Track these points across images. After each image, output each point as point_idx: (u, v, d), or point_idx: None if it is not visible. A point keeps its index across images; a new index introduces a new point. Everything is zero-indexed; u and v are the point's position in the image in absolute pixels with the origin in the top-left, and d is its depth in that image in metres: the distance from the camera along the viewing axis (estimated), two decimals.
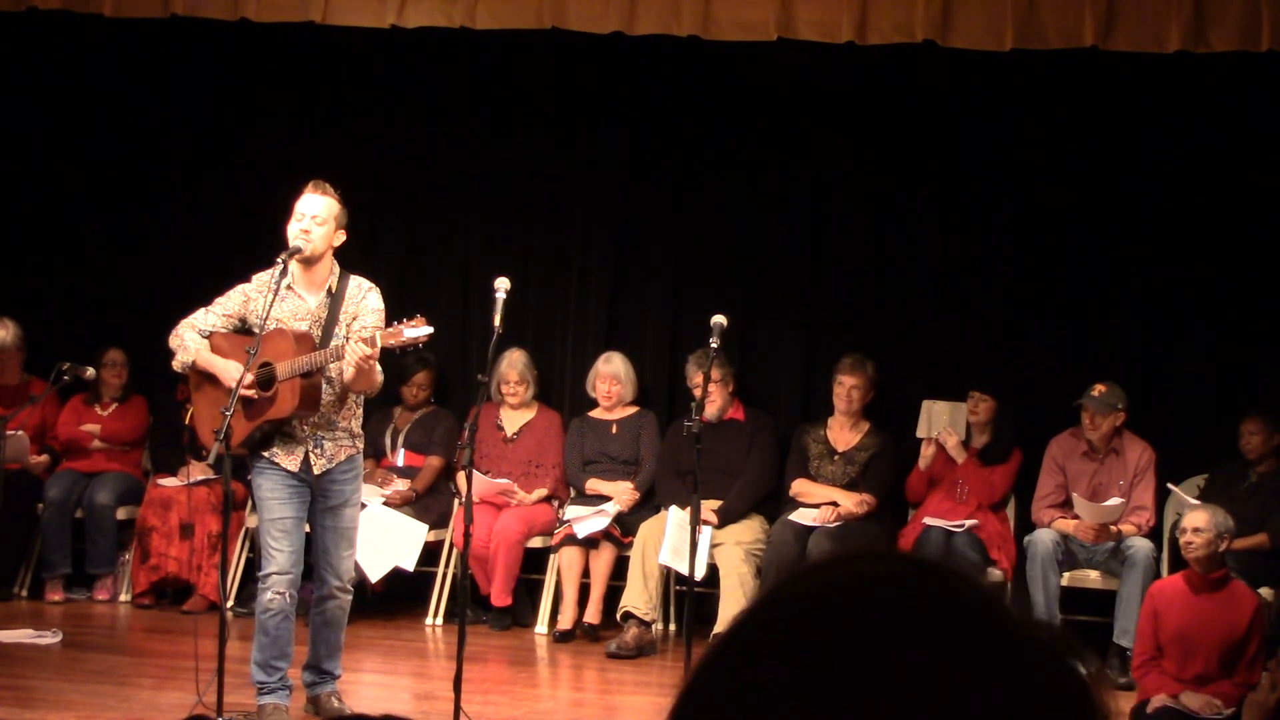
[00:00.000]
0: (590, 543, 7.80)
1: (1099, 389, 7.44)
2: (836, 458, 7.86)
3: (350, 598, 5.90)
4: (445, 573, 7.98)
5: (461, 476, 7.37)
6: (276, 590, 5.64)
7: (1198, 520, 6.11)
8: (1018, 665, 0.85)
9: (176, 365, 5.80)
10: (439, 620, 7.92)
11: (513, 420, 8.30)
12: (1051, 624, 0.89)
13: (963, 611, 0.86)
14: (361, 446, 5.89)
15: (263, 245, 6.18)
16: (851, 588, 0.88)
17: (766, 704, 0.84)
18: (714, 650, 0.90)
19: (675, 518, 7.43)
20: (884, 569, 0.89)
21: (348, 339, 5.54)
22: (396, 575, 7.90)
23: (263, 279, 5.76)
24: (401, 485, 8.02)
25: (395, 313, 5.78)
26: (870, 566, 0.89)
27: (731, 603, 7.38)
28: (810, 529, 7.54)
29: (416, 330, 5.41)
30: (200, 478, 7.87)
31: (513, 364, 8.22)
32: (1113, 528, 7.30)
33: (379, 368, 5.56)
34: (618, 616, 7.58)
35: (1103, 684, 0.88)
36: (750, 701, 0.85)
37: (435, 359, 8.30)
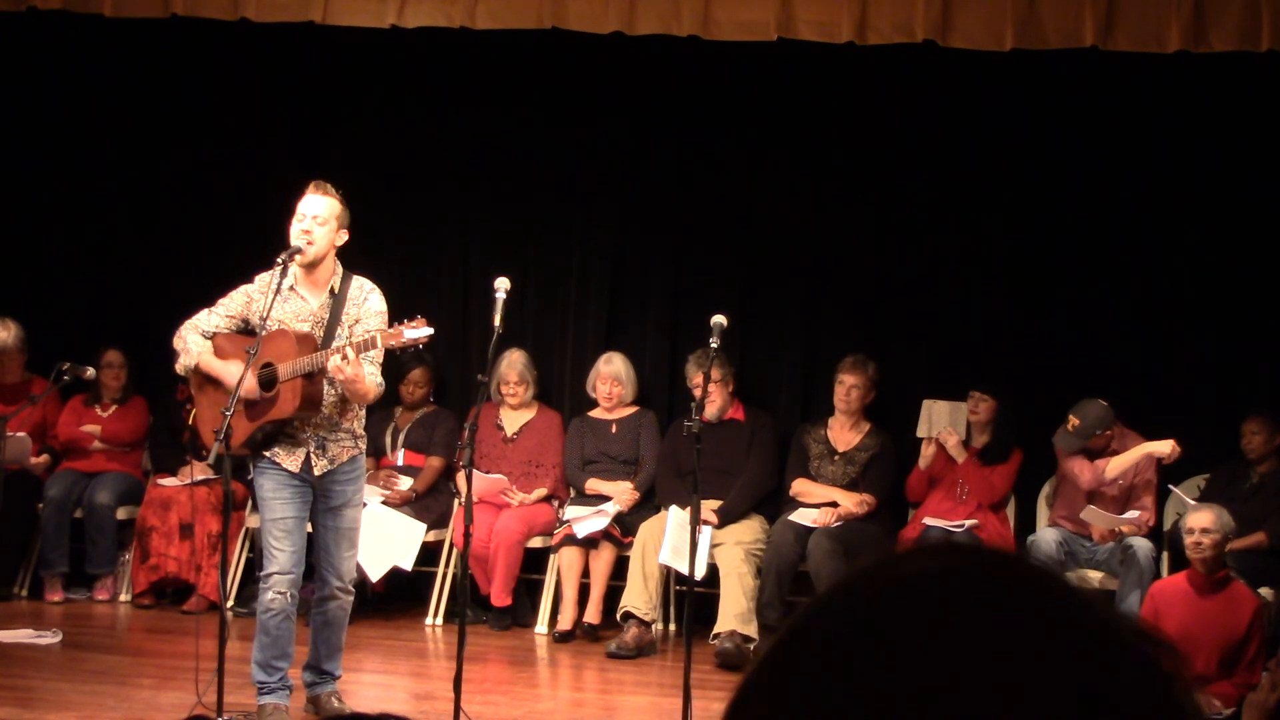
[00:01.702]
0: (590, 543, 7.80)
1: (1072, 422, 7.41)
2: (837, 458, 7.86)
3: (352, 598, 5.90)
4: (445, 573, 7.98)
5: (461, 476, 7.36)
6: (278, 590, 5.64)
7: (1205, 521, 6.09)
8: (1104, 659, 0.82)
9: (179, 368, 5.80)
10: (439, 620, 7.92)
11: (513, 420, 8.30)
12: (1132, 616, 0.87)
13: (1046, 605, 0.84)
14: (364, 447, 5.88)
15: (263, 245, 6.18)
16: (929, 581, 0.85)
17: (840, 699, 0.82)
18: (784, 639, 0.87)
19: (675, 518, 7.43)
20: (960, 562, 0.87)
21: (349, 341, 5.54)
22: (396, 575, 7.90)
23: (265, 279, 5.76)
24: (403, 485, 8.02)
25: (395, 313, 5.78)
26: (946, 559, 0.87)
27: (731, 603, 7.39)
28: (810, 529, 7.54)
29: (416, 331, 5.41)
30: (200, 478, 7.87)
31: (512, 364, 8.21)
32: (1117, 529, 7.32)
33: (373, 381, 5.55)
34: (618, 616, 7.58)
35: (1189, 677, 0.85)
36: (822, 695, 0.82)
37: (431, 357, 8.29)
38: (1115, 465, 7.37)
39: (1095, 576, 7.39)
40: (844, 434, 7.92)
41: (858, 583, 0.87)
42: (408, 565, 7.80)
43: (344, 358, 5.35)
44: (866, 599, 0.86)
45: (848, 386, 7.87)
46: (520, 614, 7.99)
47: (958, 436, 7.72)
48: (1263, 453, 7.46)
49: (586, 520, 7.78)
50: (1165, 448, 7.32)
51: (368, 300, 5.74)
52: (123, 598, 8.21)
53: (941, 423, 7.73)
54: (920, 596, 0.84)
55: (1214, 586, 6.12)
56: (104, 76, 8.84)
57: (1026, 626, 0.82)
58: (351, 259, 5.96)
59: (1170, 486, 7.51)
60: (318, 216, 5.64)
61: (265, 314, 5.56)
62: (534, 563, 8.07)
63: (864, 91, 8.22)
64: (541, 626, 7.86)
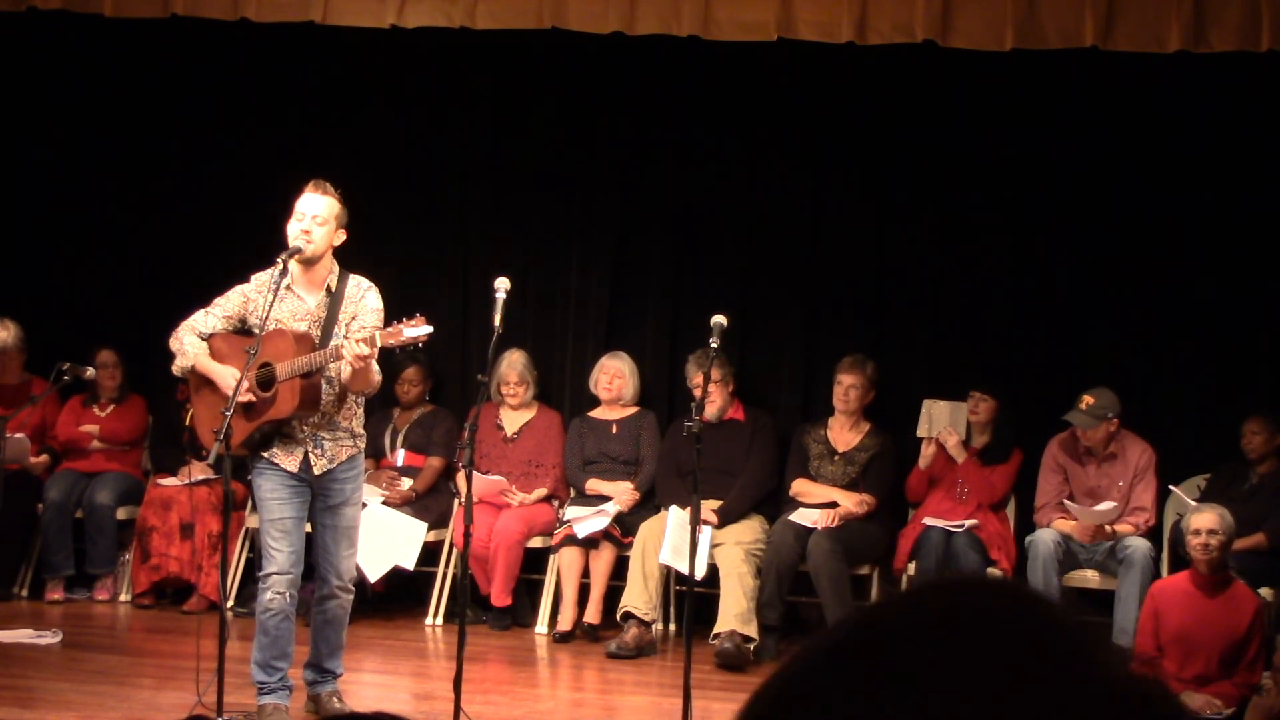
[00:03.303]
0: (590, 543, 7.80)
1: (1086, 401, 7.42)
2: (837, 458, 7.86)
3: (351, 597, 5.90)
4: (445, 573, 7.98)
5: (461, 476, 7.36)
6: (277, 590, 5.64)
7: (1210, 522, 6.08)
8: (1106, 704, 0.84)
9: (176, 369, 5.80)
10: (439, 620, 7.92)
11: (513, 420, 8.30)
12: (1129, 653, 0.88)
13: (1053, 649, 0.86)
14: (363, 446, 5.88)
15: (262, 245, 6.18)
16: (938, 618, 0.87)
17: None
18: (786, 673, 0.88)
19: (675, 518, 7.43)
20: (970, 599, 0.89)
21: (347, 338, 5.53)
22: (396, 575, 7.90)
23: (261, 279, 5.76)
24: (403, 485, 8.02)
25: (395, 313, 5.78)
26: (958, 597, 0.89)
27: (731, 603, 7.38)
28: (810, 529, 7.54)
29: (416, 329, 5.41)
30: (200, 478, 7.88)
31: (512, 365, 8.21)
32: (1108, 528, 7.31)
33: (377, 368, 5.55)
34: (618, 616, 7.58)
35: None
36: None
37: (425, 354, 8.26)
38: (1059, 523, 7.41)
39: (1093, 577, 7.39)
40: (844, 434, 7.92)
41: (870, 620, 0.89)
42: (409, 565, 7.80)
43: (370, 343, 5.33)
44: (889, 632, 0.87)
45: (846, 386, 7.87)
46: (520, 614, 7.99)
47: (958, 436, 7.71)
48: (1263, 453, 7.46)
49: (587, 520, 7.78)
50: (1085, 536, 7.32)
51: (365, 298, 5.74)
52: (123, 598, 8.21)
53: (941, 423, 7.73)
54: (940, 635, 0.86)
55: (1215, 586, 6.12)
56: (104, 76, 8.84)
57: (1034, 670, 0.84)
58: (351, 258, 5.96)
59: (1170, 487, 7.51)
60: (316, 216, 5.64)
61: (265, 314, 5.56)
62: (534, 563, 8.07)
63: (864, 91, 8.22)
64: (541, 626, 7.86)
